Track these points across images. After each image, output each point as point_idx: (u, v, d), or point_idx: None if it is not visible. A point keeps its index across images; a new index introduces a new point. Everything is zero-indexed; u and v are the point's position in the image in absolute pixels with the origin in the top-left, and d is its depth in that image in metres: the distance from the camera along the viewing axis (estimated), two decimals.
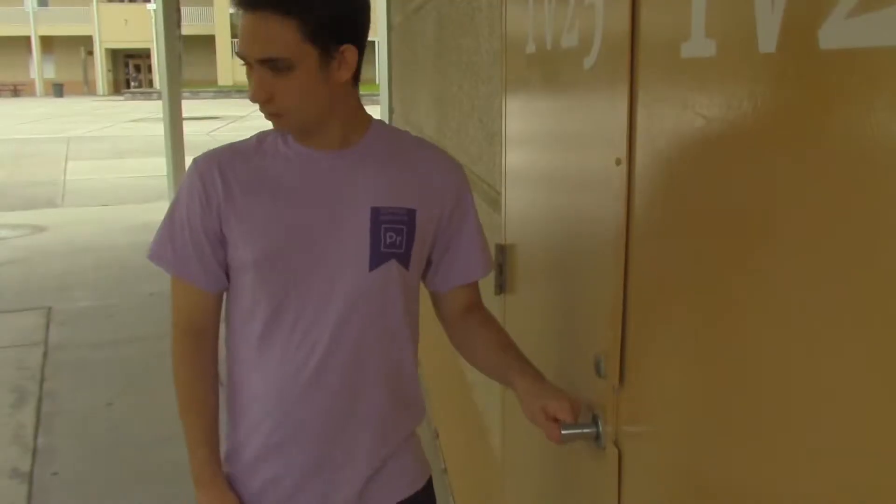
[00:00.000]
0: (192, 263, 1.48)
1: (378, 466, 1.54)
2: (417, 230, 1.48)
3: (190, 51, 41.00)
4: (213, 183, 1.44)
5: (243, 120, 24.63)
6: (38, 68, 47.68)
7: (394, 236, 1.45)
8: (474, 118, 2.70)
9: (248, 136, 1.52)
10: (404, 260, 1.47)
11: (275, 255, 1.43)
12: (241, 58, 1.35)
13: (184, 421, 1.51)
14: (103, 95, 44.07)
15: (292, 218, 1.43)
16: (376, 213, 1.44)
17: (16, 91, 45.68)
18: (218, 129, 21.54)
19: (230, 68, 45.72)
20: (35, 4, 47.04)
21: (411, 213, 1.47)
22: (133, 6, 46.63)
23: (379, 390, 1.51)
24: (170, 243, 1.51)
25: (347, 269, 1.44)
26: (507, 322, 2.16)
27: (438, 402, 3.73)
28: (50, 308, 5.93)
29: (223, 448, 1.54)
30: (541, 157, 1.85)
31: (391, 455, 1.56)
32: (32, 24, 46.74)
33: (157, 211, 8.93)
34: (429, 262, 1.57)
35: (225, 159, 1.46)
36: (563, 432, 1.36)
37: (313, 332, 1.44)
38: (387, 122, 10.58)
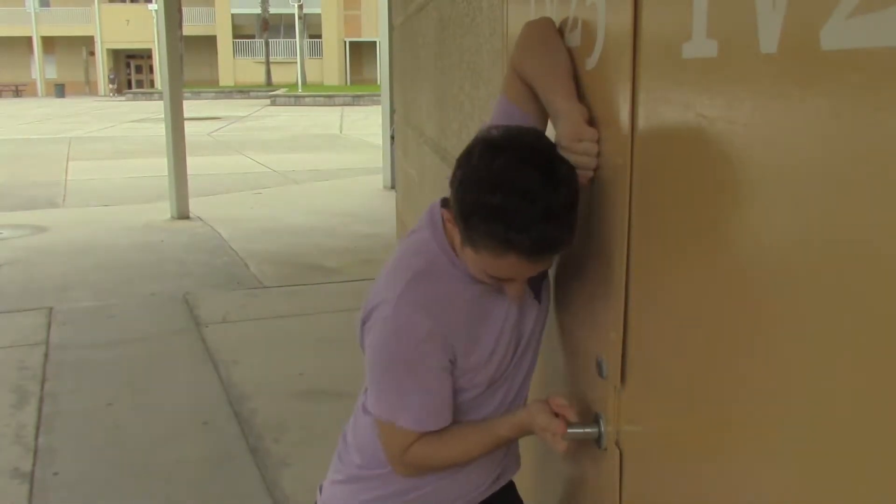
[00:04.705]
0: (446, 412, 1.45)
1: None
2: None
3: (191, 51, 41.05)
4: (434, 343, 1.39)
5: (244, 120, 24.64)
6: (40, 69, 47.72)
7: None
8: (475, 119, 2.70)
9: (418, 266, 1.44)
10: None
11: (497, 361, 1.48)
12: (509, 280, 1.35)
13: (477, 452, 1.50)
14: (105, 96, 44.10)
15: (500, 327, 1.45)
16: None
17: (17, 91, 45.72)
18: (219, 129, 21.55)
19: (231, 69, 45.75)
20: (36, 5, 47.09)
21: None
22: (134, 6, 46.68)
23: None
24: (416, 406, 1.43)
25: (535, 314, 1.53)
26: None
27: None
28: (51, 308, 5.93)
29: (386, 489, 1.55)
30: None
31: None
32: (34, 24, 46.79)
33: (159, 211, 8.89)
34: None
35: (432, 309, 1.40)
36: (566, 431, 1.37)
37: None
38: (388, 122, 10.56)
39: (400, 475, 1.51)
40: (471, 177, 1.27)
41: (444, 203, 1.43)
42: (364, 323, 1.46)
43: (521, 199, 1.22)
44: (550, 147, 1.31)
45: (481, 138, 1.31)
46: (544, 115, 1.51)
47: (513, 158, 1.25)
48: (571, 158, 1.35)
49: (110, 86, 45.62)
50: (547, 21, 1.56)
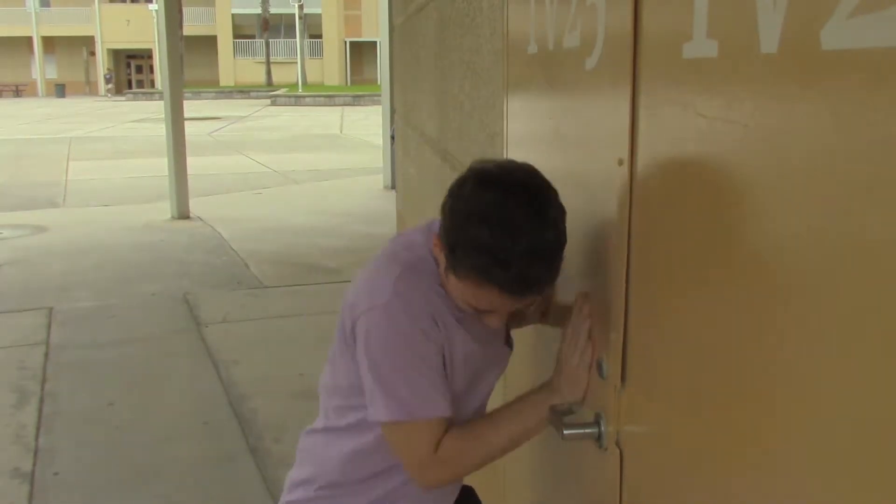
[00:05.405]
0: (448, 397, 1.42)
1: None
2: None
3: (191, 51, 41.05)
4: (432, 325, 1.39)
5: (244, 120, 24.64)
6: (40, 69, 47.72)
7: None
8: (475, 119, 2.70)
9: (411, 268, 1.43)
10: None
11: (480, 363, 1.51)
12: (488, 311, 1.37)
13: (521, 435, 1.48)
14: (103, 96, 44.09)
15: (462, 352, 1.45)
16: None
17: (18, 91, 45.72)
18: (219, 129, 21.55)
19: (231, 69, 45.75)
20: (37, 5, 47.10)
21: None
22: (135, 6, 46.69)
23: None
24: (430, 392, 1.39)
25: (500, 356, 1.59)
26: None
27: None
28: (51, 308, 5.94)
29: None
30: (542, 158, 1.84)
31: None
32: (34, 24, 46.80)
33: (159, 211, 8.90)
34: None
35: (431, 305, 1.40)
36: (565, 432, 1.37)
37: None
38: (388, 122, 10.56)
39: (430, 486, 1.46)
40: (460, 208, 1.29)
41: None
42: (354, 326, 1.43)
43: (507, 235, 1.23)
44: (543, 187, 1.31)
45: (475, 170, 1.32)
46: None
47: (504, 194, 1.26)
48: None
49: (107, 85, 45.55)
50: None
